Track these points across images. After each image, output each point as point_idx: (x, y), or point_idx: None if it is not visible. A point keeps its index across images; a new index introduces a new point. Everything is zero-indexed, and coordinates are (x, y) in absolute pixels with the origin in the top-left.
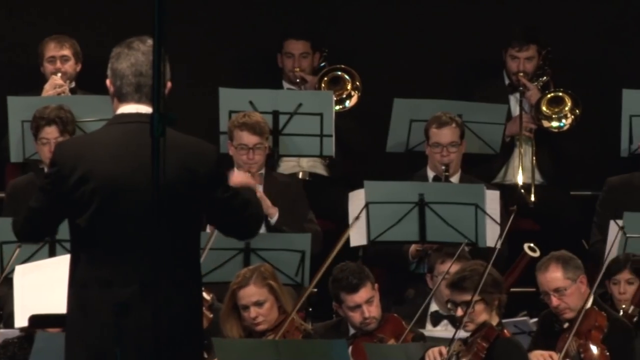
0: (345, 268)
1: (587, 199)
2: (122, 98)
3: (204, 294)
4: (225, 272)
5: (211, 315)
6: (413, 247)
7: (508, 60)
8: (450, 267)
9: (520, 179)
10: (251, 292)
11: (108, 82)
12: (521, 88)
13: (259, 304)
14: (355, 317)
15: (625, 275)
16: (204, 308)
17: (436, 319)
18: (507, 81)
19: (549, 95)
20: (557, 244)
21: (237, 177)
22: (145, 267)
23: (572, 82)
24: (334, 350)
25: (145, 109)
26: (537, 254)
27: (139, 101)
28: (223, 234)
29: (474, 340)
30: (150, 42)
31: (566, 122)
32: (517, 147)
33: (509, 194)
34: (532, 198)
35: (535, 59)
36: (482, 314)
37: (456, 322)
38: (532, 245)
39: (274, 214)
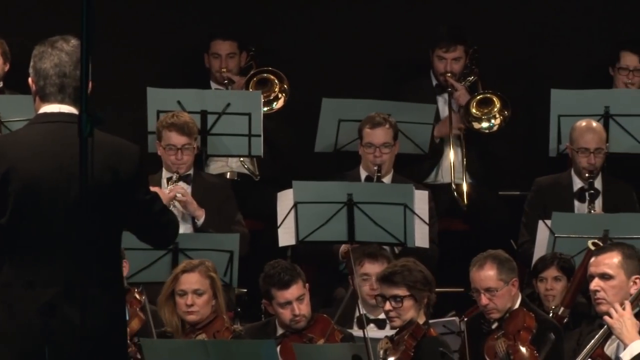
0: (277, 265)
1: (515, 199)
2: (45, 98)
3: (136, 295)
4: (153, 273)
5: (144, 317)
6: (342, 247)
7: (435, 61)
8: (372, 268)
9: (451, 180)
10: (194, 279)
11: (30, 80)
12: (449, 89)
13: (198, 292)
14: (285, 314)
15: (552, 272)
16: (137, 309)
17: (362, 323)
18: (434, 82)
19: (478, 97)
20: (485, 244)
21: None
22: (69, 267)
23: (501, 82)
24: (263, 350)
25: (67, 108)
26: None
27: (62, 101)
28: (138, 238)
29: (402, 338)
30: (74, 42)
31: (495, 123)
32: (447, 148)
33: (442, 195)
34: (465, 200)
35: (463, 59)
36: (410, 311)
37: (383, 325)
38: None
39: (201, 216)
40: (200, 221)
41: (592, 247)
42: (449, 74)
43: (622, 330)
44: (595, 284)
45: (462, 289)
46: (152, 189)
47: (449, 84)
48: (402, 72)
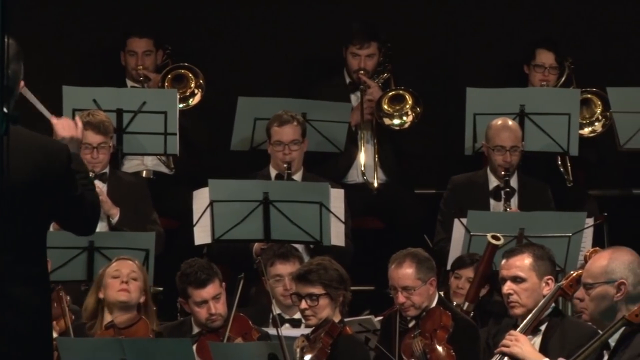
0: (194, 263)
1: (431, 197)
2: None
3: (61, 294)
4: (68, 271)
5: (73, 316)
6: (257, 246)
7: (349, 58)
8: (284, 269)
9: (363, 178)
10: (132, 266)
11: None
12: (362, 86)
13: (132, 277)
14: (202, 313)
15: (469, 272)
16: (66, 309)
17: (277, 323)
18: (348, 80)
19: (390, 93)
20: (401, 242)
21: (62, 131)
22: None
23: (416, 80)
24: (179, 349)
25: None
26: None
27: None
28: (62, 228)
29: (318, 336)
30: None
31: (407, 120)
32: (360, 146)
33: (354, 192)
34: (375, 191)
35: (376, 56)
36: (325, 309)
37: (298, 324)
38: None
39: (115, 215)
40: (115, 220)
41: (493, 241)
42: (362, 71)
43: (525, 353)
44: (508, 287)
45: (374, 287)
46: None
47: (362, 81)
48: (316, 70)
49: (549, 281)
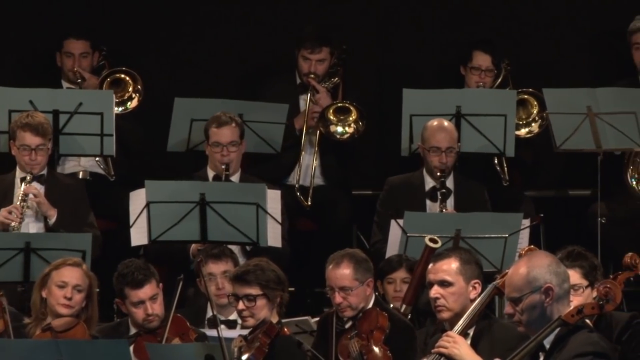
0: (131, 264)
1: (367, 198)
2: None
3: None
4: (4, 272)
5: (6, 319)
6: (194, 247)
7: (300, 61)
8: (217, 268)
9: (301, 179)
10: (78, 275)
11: None
12: (310, 91)
13: (77, 289)
14: (138, 313)
15: (401, 274)
16: (6, 309)
17: (213, 324)
18: (298, 81)
19: (336, 105)
20: (337, 242)
21: None
22: None
23: (353, 82)
24: (116, 350)
25: None
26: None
27: None
28: None
29: (256, 336)
30: None
31: (347, 131)
32: (299, 147)
33: (287, 194)
34: (309, 199)
35: (327, 61)
36: (263, 310)
37: (233, 325)
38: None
39: (52, 216)
40: (52, 221)
41: (430, 244)
42: (312, 76)
43: (463, 354)
44: (435, 291)
45: (307, 289)
46: None
47: (310, 86)
48: (267, 71)
49: (476, 285)
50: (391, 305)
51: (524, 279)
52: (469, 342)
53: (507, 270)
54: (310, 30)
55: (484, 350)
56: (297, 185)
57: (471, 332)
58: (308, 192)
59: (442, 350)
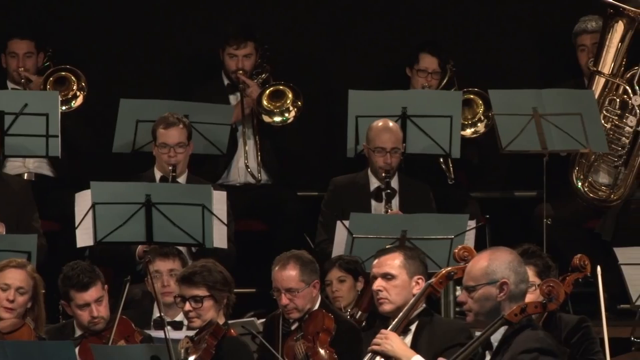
0: (76, 266)
1: (313, 199)
2: None
3: None
4: None
5: None
6: (140, 248)
7: (226, 59)
8: (164, 265)
9: (247, 170)
10: (22, 277)
11: None
12: (241, 86)
13: (20, 290)
14: (84, 316)
15: (336, 273)
16: None
17: (159, 325)
18: (226, 81)
19: (269, 89)
20: (283, 243)
21: None
22: None
23: (298, 82)
24: (61, 351)
25: None
26: None
27: None
28: None
29: (203, 337)
30: None
31: (289, 116)
32: (241, 143)
33: (236, 193)
34: (258, 183)
35: (254, 56)
36: (210, 311)
37: (179, 326)
38: None
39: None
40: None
41: None
42: (241, 71)
43: (395, 349)
44: (378, 284)
45: (255, 290)
46: None
47: (240, 81)
48: (195, 72)
49: (419, 281)
50: (341, 306)
51: (482, 270)
52: (410, 337)
53: (441, 270)
54: (233, 27)
55: (424, 346)
56: (244, 183)
57: (413, 327)
58: (253, 186)
59: (375, 347)
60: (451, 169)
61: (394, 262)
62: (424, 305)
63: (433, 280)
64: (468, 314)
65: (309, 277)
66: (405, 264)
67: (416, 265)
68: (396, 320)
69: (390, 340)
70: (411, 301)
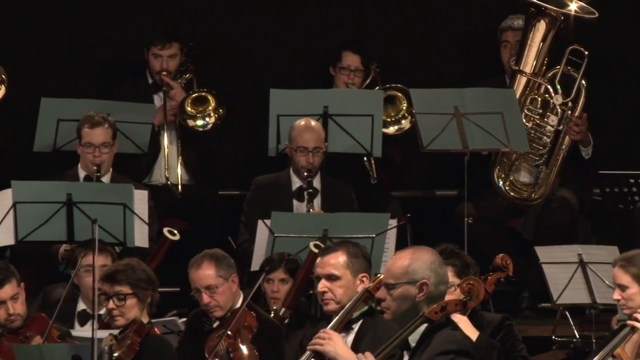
0: None
1: (235, 198)
2: None
3: None
4: None
5: None
6: (63, 248)
7: (151, 59)
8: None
9: (166, 178)
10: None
11: None
12: (164, 88)
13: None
14: (0, 314)
15: (280, 274)
16: None
17: (84, 318)
18: (150, 80)
19: (193, 95)
20: (205, 242)
21: None
22: None
23: (220, 81)
24: None
25: None
26: (177, 237)
27: None
28: None
29: (127, 335)
30: None
31: (210, 122)
32: (163, 146)
33: (158, 193)
34: (179, 195)
35: (178, 57)
36: (133, 310)
37: (105, 318)
38: (171, 229)
39: None
40: None
41: (314, 249)
42: (165, 72)
43: (338, 351)
44: (322, 285)
45: (179, 289)
46: None
47: (164, 83)
48: (118, 72)
49: (364, 279)
50: (274, 309)
51: (403, 269)
52: (352, 336)
53: (379, 275)
54: (159, 27)
55: (366, 345)
56: (165, 184)
57: (356, 327)
58: (176, 191)
59: (317, 347)
60: (374, 168)
61: (337, 262)
62: (367, 305)
63: (370, 285)
64: (386, 312)
65: (226, 272)
66: (348, 263)
67: (360, 263)
68: (335, 320)
69: (333, 341)
70: (349, 304)
